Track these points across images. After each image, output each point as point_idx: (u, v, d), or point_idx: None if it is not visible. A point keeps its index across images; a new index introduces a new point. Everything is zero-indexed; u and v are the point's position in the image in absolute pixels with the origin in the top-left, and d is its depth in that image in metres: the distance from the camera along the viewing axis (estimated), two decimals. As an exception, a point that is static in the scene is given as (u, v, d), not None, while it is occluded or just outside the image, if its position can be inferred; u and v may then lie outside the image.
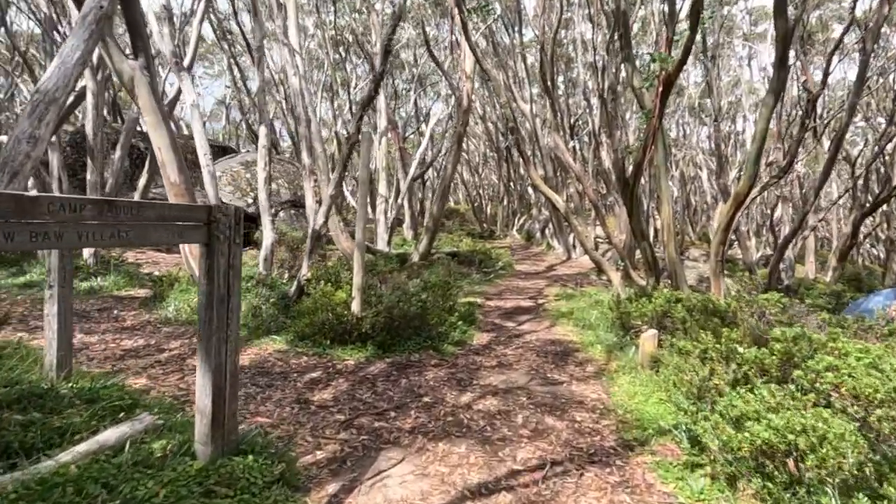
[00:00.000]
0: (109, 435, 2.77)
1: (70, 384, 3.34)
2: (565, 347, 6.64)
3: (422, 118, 24.98)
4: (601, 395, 4.89)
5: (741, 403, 3.21)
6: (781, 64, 6.61)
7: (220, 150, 19.81)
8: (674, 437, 3.81)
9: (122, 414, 3.21)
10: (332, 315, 5.98)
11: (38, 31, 16.48)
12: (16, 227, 1.76)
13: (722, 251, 7.73)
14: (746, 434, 2.93)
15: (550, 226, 22.75)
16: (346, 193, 29.49)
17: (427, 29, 19.84)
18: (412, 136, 25.21)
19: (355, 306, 6.16)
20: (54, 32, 11.37)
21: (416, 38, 22.59)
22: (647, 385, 4.89)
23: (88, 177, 8.40)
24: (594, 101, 18.39)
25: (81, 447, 2.62)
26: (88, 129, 8.53)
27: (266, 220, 7.86)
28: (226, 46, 22.97)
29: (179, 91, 11.05)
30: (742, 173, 9.09)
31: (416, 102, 24.41)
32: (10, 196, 1.75)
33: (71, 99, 9.96)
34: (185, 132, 28.05)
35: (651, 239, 11.24)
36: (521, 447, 3.77)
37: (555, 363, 5.94)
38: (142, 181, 10.80)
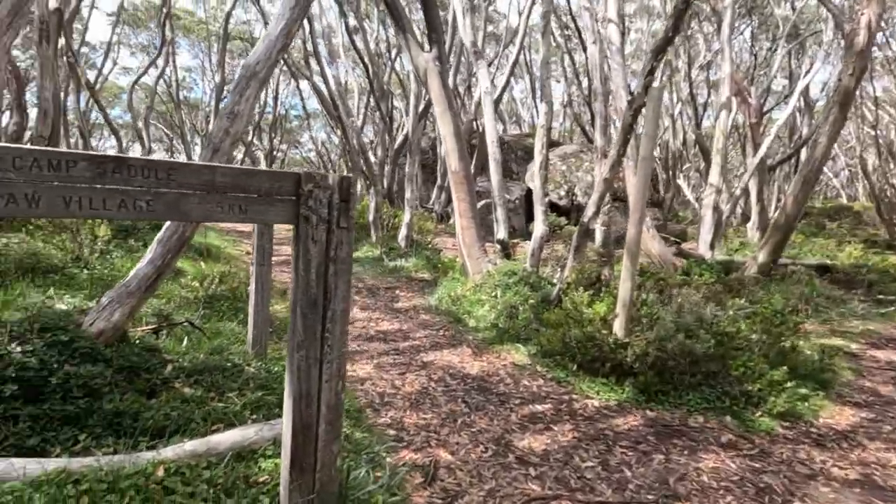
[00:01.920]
0: (224, 438, 2.45)
1: (260, 363, 3.31)
2: None
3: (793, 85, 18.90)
4: None
5: None
6: None
7: (544, 145, 20.27)
8: None
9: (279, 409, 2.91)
10: (582, 333, 4.58)
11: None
12: (-35, 187, 1.41)
13: None
14: None
15: None
16: (681, 184, 25.64)
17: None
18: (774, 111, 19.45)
19: (618, 327, 4.57)
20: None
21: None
22: None
23: (407, 169, 9.53)
24: None
25: (190, 445, 2.36)
26: (409, 126, 9.68)
27: (538, 210, 6.99)
28: (562, 42, 23.27)
29: (507, 83, 11.59)
30: None
31: (789, 59, 18.54)
32: (-42, 147, 1.40)
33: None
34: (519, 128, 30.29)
35: None
36: None
37: None
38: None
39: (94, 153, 1.56)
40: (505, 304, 6.08)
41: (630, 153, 8.16)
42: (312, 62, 17.58)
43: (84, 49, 22.86)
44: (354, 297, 6.88)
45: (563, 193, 16.04)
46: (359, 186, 19.79)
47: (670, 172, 21.56)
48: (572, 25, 22.20)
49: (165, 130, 33.12)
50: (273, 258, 4.30)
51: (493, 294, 6.37)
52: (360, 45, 17.01)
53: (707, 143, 19.23)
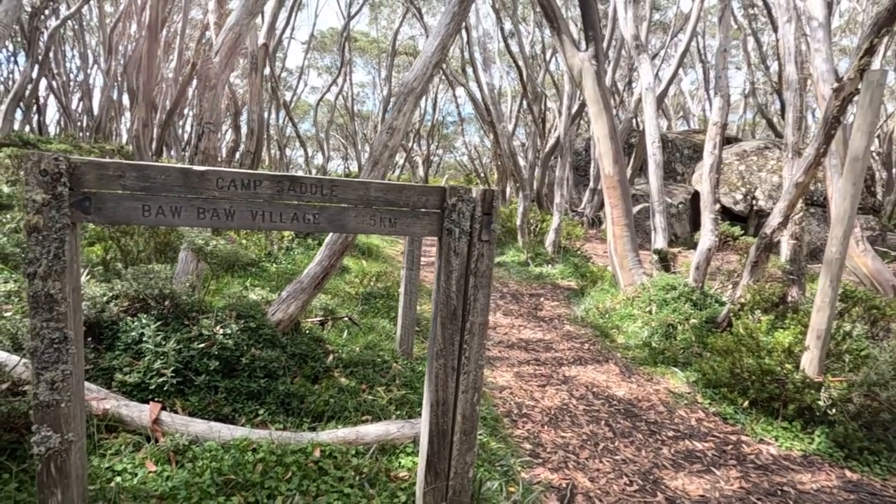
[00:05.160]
0: (370, 430, 2.64)
1: (406, 362, 3.50)
2: None
3: None
4: None
5: None
6: None
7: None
8: None
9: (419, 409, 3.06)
10: (758, 365, 3.92)
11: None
12: (183, 203, 1.73)
13: None
14: None
15: None
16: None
17: None
18: None
19: (807, 362, 3.82)
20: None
21: None
22: None
23: (558, 172, 9.26)
24: None
25: (342, 432, 2.60)
26: (561, 128, 9.39)
27: (706, 219, 6.15)
28: (744, 23, 20.39)
29: (674, 75, 10.77)
30: None
31: None
32: (179, 170, 1.73)
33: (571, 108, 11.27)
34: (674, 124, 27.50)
35: None
36: None
37: None
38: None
39: (274, 174, 1.80)
40: (661, 321, 5.53)
41: (835, 148, 6.75)
42: (468, 69, 18.22)
43: (283, 74, 27.16)
44: (497, 301, 6.92)
45: (739, 197, 14.02)
46: (508, 189, 19.92)
47: (893, 170, 17.34)
48: (759, 2, 19.36)
49: (342, 140, 37.59)
50: (423, 259, 4.55)
51: (648, 309, 5.84)
52: (514, 48, 17.12)
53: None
